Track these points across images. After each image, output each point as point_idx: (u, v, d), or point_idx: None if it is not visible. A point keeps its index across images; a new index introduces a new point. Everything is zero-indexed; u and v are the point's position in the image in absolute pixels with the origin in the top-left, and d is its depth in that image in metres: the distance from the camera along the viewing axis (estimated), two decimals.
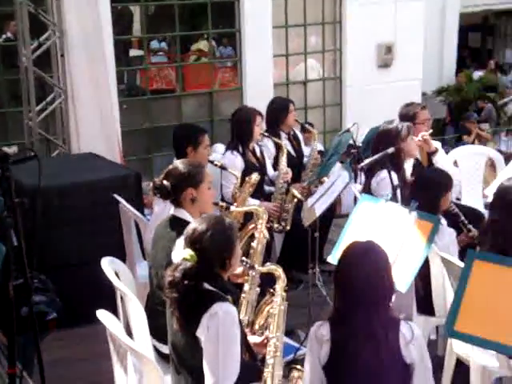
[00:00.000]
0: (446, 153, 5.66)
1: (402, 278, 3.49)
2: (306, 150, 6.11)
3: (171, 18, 8.29)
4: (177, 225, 3.38)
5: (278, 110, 5.80)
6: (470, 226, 4.17)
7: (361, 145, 5.90)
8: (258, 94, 7.51)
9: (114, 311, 3.28)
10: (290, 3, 8.47)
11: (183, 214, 3.46)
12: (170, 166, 3.58)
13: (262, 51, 8.13)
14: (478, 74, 12.00)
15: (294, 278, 5.31)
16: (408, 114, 5.10)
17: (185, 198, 3.47)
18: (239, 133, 5.35)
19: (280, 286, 3.14)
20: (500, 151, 8.24)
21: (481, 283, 2.95)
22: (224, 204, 3.88)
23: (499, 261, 2.99)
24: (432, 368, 2.73)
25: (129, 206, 4.65)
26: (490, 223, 3.68)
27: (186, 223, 3.05)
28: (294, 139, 5.98)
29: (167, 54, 10.74)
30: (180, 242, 3.04)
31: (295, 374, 3.03)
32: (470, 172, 6.02)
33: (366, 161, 4.37)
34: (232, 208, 3.93)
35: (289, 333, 4.08)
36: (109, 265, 3.60)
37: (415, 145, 4.80)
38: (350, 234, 3.82)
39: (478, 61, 12.89)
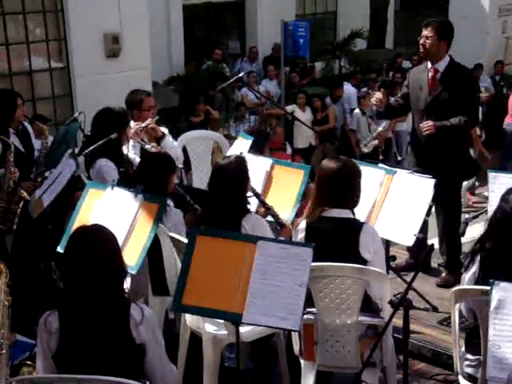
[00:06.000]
0: None
1: (133, 260, 3.55)
2: (37, 144, 5.84)
3: None
4: None
5: (5, 106, 5.36)
6: (196, 206, 4.31)
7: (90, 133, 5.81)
8: None
9: None
10: None
11: None
12: None
13: None
14: (207, 64, 12.47)
15: (29, 275, 5.09)
16: (134, 101, 5.16)
17: None
18: None
19: (2, 281, 3.03)
20: (229, 136, 8.72)
21: (204, 257, 3.10)
22: None
23: (219, 234, 3.17)
24: (171, 345, 2.81)
25: None
26: (211, 201, 3.85)
27: None
28: (22, 134, 5.62)
29: None
30: None
31: (25, 369, 2.93)
32: (199, 155, 6.29)
33: (90, 148, 4.34)
34: None
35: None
36: None
37: (135, 130, 4.90)
38: (79, 222, 3.78)
39: (205, 51, 13.35)
